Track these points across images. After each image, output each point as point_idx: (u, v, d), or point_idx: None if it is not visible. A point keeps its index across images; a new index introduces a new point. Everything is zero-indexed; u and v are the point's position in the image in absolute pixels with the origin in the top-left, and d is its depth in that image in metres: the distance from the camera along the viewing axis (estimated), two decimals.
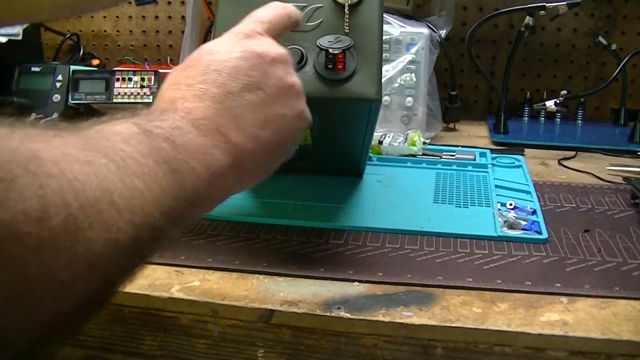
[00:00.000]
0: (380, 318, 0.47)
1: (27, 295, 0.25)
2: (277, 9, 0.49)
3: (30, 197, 0.24)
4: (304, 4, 0.56)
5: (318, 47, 0.53)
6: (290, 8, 0.50)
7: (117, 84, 0.91)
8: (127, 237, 0.29)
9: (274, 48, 0.45)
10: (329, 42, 0.54)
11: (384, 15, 0.91)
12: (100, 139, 0.31)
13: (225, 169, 0.39)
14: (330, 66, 0.54)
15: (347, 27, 0.55)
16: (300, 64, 0.55)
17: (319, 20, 0.56)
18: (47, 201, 0.25)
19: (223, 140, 0.40)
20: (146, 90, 0.90)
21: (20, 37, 1.00)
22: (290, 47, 0.55)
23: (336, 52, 0.53)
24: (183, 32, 1.05)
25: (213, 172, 0.38)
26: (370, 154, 0.81)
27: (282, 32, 0.49)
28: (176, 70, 0.44)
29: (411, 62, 0.91)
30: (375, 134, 0.82)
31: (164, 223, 0.32)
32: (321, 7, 0.56)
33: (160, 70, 0.93)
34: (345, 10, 0.55)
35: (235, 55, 0.43)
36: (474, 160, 0.80)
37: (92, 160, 0.29)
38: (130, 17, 1.21)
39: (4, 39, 0.98)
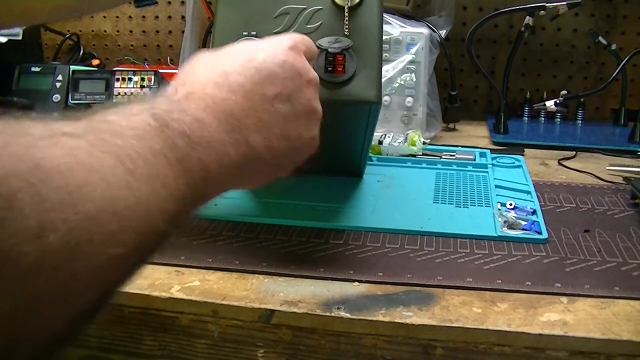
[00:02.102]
0: (380, 318, 0.47)
1: (30, 310, 0.24)
2: (311, 41, 0.49)
3: (30, 214, 0.24)
4: (304, 6, 0.56)
5: (318, 47, 0.53)
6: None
7: (117, 84, 0.91)
8: (129, 247, 0.29)
9: (311, 70, 0.46)
10: (328, 42, 0.54)
11: (384, 15, 0.92)
12: (113, 135, 0.30)
13: (234, 169, 0.39)
14: (330, 68, 0.54)
15: (346, 30, 0.55)
16: None
17: (319, 23, 0.56)
18: (46, 217, 0.24)
19: (243, 140, 0.40)
20: (146, 90, 0.90)
21: (20, 37, 1.00)
22: None
23: (336, 51, 0.53)
24: (183, 32, 1.05)
25: (224, 171, 0.38)
26: (370, 154, 0.81)
27: (313, 59, 0.50)
28: (213, 53, 0.44)
29: (411, 62, 0.91)
30: (375, 134, 0.82)
31: (168, 228, 0.32)
32: (321, 9, 0.56)
33: (160, 71, 0.93)
34: (345, 12, 0.55)
35: (278, 61, 0.43)
36: (474, 160, 0.80)
37: (99, 165, 0.28)
38: (130, 17, 1.20)
39: (4, 39, 0.98)
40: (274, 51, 0.44)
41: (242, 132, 0.40)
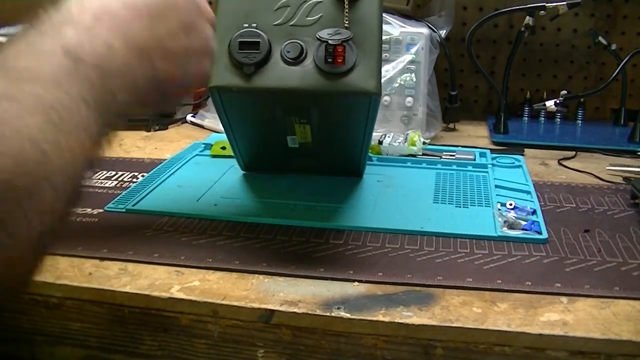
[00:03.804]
0: (380, 318, 0.47)
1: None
2: None
3: None
4: None
5: (318, 39, 0.54)
6: None
7: None
8: (59, 191, 0.31)
9: (209, 8, 0.49)
10: (328, 34, 0.54)
11: (384, 15, 0.92)
12: (33, 84, 0.31)
13: (139, 96, 0.40)
14: (329, 60, 0.54)
15: (346, 22, 0.55)
16: (300, 57, 0.55)
17: (319, 15, 0.56)
18: None
19: (149, 67, 0.41)
20: None
21: None
22: (290, 41, 0.55)
23: (336, 43, 0.53)
24: None
25: (133, 100, 0.39)
26: (370, 154, 0.81)
27: None
28: None
29: (411, 62, 0.91)
30: (375, 134, 0.82)
31: (86, 167, 0.34)
32: (321, 1, 0.56)
33: None
34: (345, 4, 0.55)
35: None
36: (474, 160, 0.80)
37: (29, 129, 0.29)
38: None
39: (4, 39, 0.98)
40: None
41: (148, 59, 0.40)
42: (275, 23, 0.56)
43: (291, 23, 0.56)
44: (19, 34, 0.34)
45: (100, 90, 0.35)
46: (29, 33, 0.34)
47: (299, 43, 0.55)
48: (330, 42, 0.53)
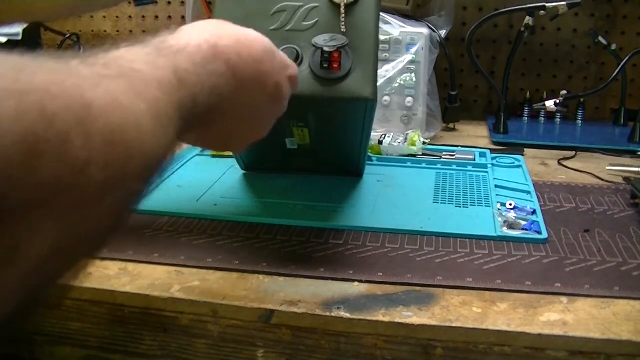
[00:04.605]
0: (380, 318, 0.47)
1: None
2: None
3: (79, 150, 0.26)
4: (301, 4, 0.57)
5: (313, 45, 0.54)
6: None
7: None
8: (145, 184, 0.33)
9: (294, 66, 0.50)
10: (324, 40, 0.54)
11: (384, 15, 0.92)
12: (144, 83, 0.33)
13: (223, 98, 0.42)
14: (325, 65, 0.54)
15: (343, 27, 0.55)
16: (295, 63, 0.55)
17: (315, 20, 0.56)
18: (92, 154, 0.27)
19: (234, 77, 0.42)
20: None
21: (20, 37, 1.00)
22: (286, 46, 0.55)
23: (331, 50, 0.53)
24: None
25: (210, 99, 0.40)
26: (370, 154, 0.81)
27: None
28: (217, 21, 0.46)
29: (411, 62, 0.91)
30: (375, 134, 0.82)
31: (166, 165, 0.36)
32: (317, 6, 0.56)
33: None
34: (341, 10, 0.55)
35: (269, 45, 0.46)
36: (474, 160, 0.80)
37: (134, 109, 0.31)
38: (130, 17, 1.20)
39: (3, 39, 0.98)
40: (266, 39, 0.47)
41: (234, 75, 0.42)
42: (272, 28, 0.56)
43: (287, 28, 0.56)
44: (136, 45, 0.37)
45: (186, 112, 0.37)
46: (146, 49, 0.37)
47: (294, 48, 0.55)
48: (325, 48, 0.53)
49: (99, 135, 0.27)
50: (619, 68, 0.93)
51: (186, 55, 0.39)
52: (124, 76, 0.32)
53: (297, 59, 0.55)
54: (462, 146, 0.88)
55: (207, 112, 0.40)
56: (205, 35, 0.42)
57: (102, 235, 0.31)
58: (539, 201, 0.68)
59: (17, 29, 1.00)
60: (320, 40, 0.54)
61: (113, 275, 0.52)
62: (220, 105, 0.41)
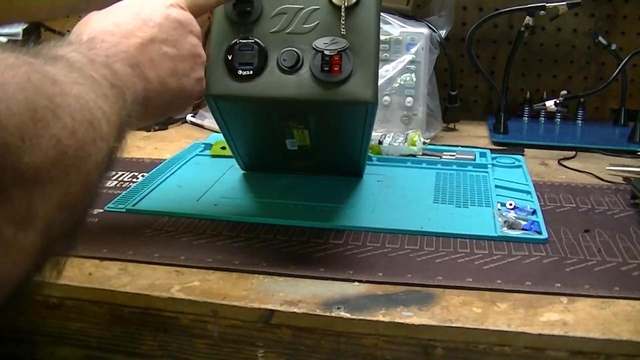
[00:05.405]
0: (380, 318, 0.47)
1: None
2: None
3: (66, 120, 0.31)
4: (301, 6, 0.56)
5: (314, 49, 0.53)
6: None
7: None
8: (104, 155, 0.36)
9: (194, 22, 0.53)
10: (324, 43, 0.53)
11: (384, 15, 0.92)
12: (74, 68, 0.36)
13: (141, 99, 0.45)
14: (326, 68, 0.54)
15: (343, 29, 0.55)
16: (296, 66, 0.55)
17: (316, 22, 0.56)
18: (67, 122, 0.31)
19: (141, 74, 0.46)
20: None
21: (20, 37, 1.00)
22: (287, 49, 0.55)
23: (332, 54, 0.53)
24: None
25: (135, 100, 0.43)
26: (370, 154, 0.81)
27: (204, 12, 0.55)
28: (102, 11, 0.50)
29: (411, 62, 0.91)
30: (375, 134, 0.82)
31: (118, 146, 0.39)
32: (318, 9, 0.56)
33: None
34: (342, 12, 0.55)
35: (162, 13, 0.50)
36: (474, 160, 0.80)
37: (87, 96, 0.34)
38: None
39: (3, 39, 0.98)
40: (159, 5, 0.50)
41: (140, 67, 0.46)
42: (272, 30, 0.56)
43: (287, 30, 0.56)
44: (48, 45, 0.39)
45: (112, 80, 0.40)
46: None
47: (295, 51, 0.55)
48: (326, 52, 0.53)
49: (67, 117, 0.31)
50: (619, 68, 0.93)
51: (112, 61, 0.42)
52: (77, 69, 0.36)
53: (298, 62, 0.55)
54: (462, 146, 0.88)
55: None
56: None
57: (91, 195, 0.35)
58: (539, 201, 0.68)
59: (17, 29, 1.00)
60: (321, 43, 0.54)
61: (113, 275, 0.52)
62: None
